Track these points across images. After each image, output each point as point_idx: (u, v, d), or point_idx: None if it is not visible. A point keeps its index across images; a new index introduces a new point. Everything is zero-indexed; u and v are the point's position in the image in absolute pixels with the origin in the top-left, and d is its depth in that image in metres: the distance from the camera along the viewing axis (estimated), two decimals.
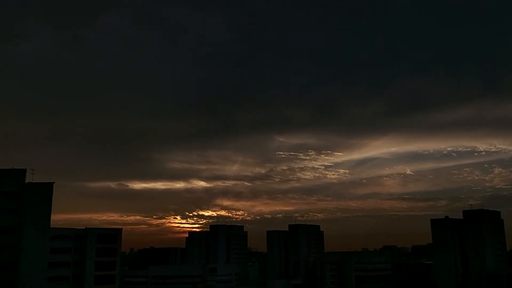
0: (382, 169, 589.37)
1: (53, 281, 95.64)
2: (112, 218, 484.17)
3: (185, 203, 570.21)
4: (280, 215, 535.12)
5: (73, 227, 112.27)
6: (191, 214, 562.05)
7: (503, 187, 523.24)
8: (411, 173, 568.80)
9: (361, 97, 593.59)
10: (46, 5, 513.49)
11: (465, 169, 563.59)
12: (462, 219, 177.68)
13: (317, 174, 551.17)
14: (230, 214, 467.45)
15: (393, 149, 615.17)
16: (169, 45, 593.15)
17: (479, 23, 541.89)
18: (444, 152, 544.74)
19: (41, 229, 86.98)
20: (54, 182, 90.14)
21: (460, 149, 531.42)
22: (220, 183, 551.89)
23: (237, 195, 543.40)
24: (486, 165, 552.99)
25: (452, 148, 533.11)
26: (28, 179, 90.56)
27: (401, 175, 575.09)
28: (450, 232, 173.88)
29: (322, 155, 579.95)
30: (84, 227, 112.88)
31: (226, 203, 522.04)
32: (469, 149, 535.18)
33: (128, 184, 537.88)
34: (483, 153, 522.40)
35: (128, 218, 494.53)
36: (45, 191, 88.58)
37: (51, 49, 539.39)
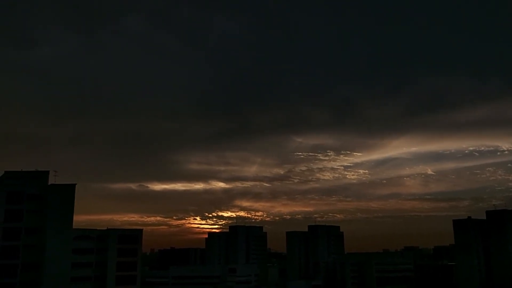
0: (403, 169, 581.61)
1: (75, 282, 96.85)
2: (133, 219, 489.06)
3: (205, 204, 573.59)
4: (299, 216, 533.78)
5: (95, 228, 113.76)
6: (210, 215, 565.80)
7: None
8: (432, 173, 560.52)
9: (381, 96, 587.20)
10: (66, 10, 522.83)
11: (488, 168, 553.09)
12: (486, 219, 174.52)
13: (337, 175, 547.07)
14: (249, 215, 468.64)
15: (414, 149, 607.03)
16: (187, 47, 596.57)
17: (501, 21, 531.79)
18: (466, 151, 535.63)
19: (64, 230, 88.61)
20: (76, 184, 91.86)
21: (483, 148, 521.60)
22: (239, 184, 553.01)
23: (256, 196, 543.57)
24: (509, 165, 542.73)
25: (474, 148, 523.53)
26: (51, 181, 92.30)
27: (422, 175, 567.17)
28: (473, 233, 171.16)
29: (341, 156, 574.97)
30: (106, 228, 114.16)
31: (245, 204, 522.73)
32: (491, 148, 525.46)
33: (149, 185, 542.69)
34: (506, 152, 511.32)
35: (149, 219, 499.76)
36: (67, 192, 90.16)
37: (73, 53, 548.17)
